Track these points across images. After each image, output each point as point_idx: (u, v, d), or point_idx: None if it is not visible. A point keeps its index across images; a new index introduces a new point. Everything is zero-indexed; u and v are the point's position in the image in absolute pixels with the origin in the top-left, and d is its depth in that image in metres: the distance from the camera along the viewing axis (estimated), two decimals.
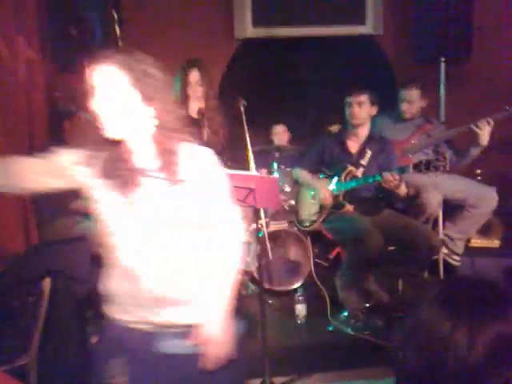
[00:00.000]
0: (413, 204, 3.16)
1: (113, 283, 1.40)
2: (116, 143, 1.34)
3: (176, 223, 1.35)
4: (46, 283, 1.95)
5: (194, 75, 2.61)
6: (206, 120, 2.60)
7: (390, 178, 2.71)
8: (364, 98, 3.01)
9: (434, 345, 0.81)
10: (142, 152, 1.36)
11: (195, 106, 2.61)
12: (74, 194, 3.19)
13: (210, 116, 2.62)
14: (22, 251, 2.79)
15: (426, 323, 0.84)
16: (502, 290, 0.87)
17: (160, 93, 1.35)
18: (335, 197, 3.02)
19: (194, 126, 2.57)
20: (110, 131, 1.31)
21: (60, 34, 3.61)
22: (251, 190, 2.18)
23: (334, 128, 4.31)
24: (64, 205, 3.14)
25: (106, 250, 1.41)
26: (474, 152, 3.19)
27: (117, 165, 1.33)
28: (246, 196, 2.21)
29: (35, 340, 1.94)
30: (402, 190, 2.78)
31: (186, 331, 1.35)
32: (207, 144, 2.59)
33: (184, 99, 2.62)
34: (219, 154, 2.68)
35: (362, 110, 3.01)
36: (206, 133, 2.61)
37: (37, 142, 3.37)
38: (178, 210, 1.35)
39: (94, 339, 2.83)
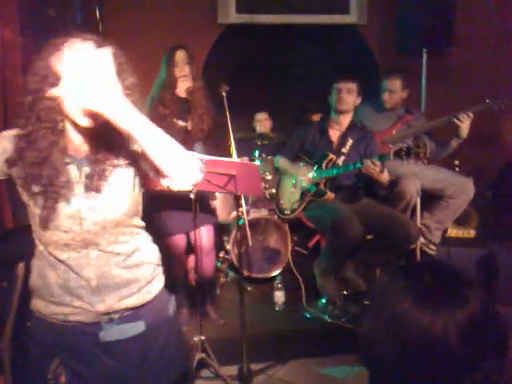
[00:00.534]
0: (392, 191, 3.19)
1: (45, 275, 1.31)
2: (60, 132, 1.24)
3: (111, 211, 1.29)
4: (20, 268, 1.91)
5: (180, 54, 2.58)
6: (194, 100, 2.56)
7: (371, 165, 2.73)
8: (353, 85, 3.03)
9: (416, 338, 0.80)
10: (86, 140, 1.29)
11: (183, 85, 2.57)
12: None
13: (196, 98, 2.59)
14: None
15: (403, 316, 0.83)
16: (462, 273, 0.88)
17: (135, 86, 1.32)
18: (316, 184, 3.03)
19: (182, 106, 2.53)
20: (83, 117, 1.21)
21: (39, 15, 3.53)
22: (232, 177, 2.16)
23: (316, 117, 4.31)
24: None
25: (37, 241, 1.33)
26: (454, 143, 3.24)
27: (45, 171, 1.23)
28: (226, 182, 2.20)
29: (9, 326, 1.91)
30: (385, 177, 2.80)
31: (128, 315, 1.34)
32: (192, 128, 2.55)
33: (172, 81, 2.57)
34: (202, 139, 2.66)
35: (350, 97, 3.02)
36: (192, 115, 2.57)
37: (13, 123, 3.29)
38: (113, 198, 1.30)
39: None
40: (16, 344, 1.96)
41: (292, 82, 4.43)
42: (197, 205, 2.37)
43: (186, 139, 2.47)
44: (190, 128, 2.51)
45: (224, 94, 2.54)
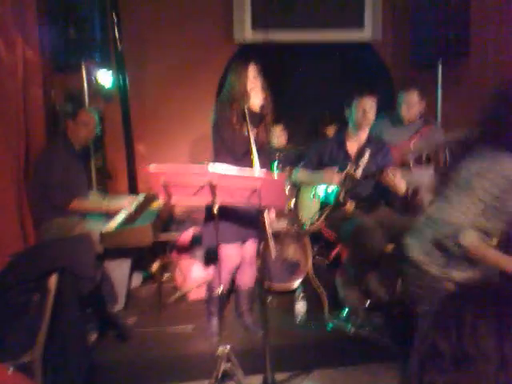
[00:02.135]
0: (411, 202, 3.20)
1: None
2: None
3: None
4: (53, 280, 1.95)
5: (252, 69, 2.64)
6: (264, 112, 2.64)
7: (391, 173, 2.76)
8: (374, 101, 3.06)
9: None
10: None
11: (256, 98, 2.62)
12: (71, 194, 3.21)
13: (266, 110, 2.66)
14: (18, 249, 2.80)
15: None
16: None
17: None
18: (336, 195, 3.05)
19: (252, 117, 2.59)
20: None
21: (59, 34, 3.63)
22: (256, 190, 2.19)
23: (331, 129, 4.36)
24: (61, 205, 3.15)
25: None
26: None
27: None
28: (250, 195, 2.23)
29: (41, 336, 1.94)
30: (402, 187, 2.83)
31: None
32: (259, 138, 2.63)
33: (243, 93, 2.62)
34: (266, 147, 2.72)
35: (372, 112, 3.06)
36: (261, 126, 2.64)
37: (34, 138, 3.39)
38: None
39: (92, 336, 2.86)
40: (47, 354, 1.99)
41: (307, 95, 4.49)
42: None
43: (251, 148, 2.53)
44: (256, 138, 2.57)
45: (246, 108, 2.60)
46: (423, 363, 0.86)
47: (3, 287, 2.07)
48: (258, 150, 2.47)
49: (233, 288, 3.07)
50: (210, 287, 2.92)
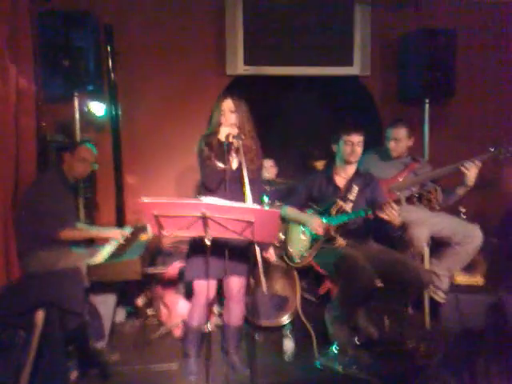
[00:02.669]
0: (399, 240, 3.21)
1: None
2: None
3: None
4: (40, 315, 1.89)
5: (227, 102, 2.70)
6: (235, 144, 2.66)
7: (390, 206, 2.78)
8: (362, 138, 3.10)
9: None
10: None
11: (225, 131, 2.67)
12: (61, 223, 3.13)
13: (236, 142, 2.67)
14: (1, 282, 2.70)
15: None
16: None
17: None
18: (327, 230, 3.05)
19: (223, 149, 2.60)
20: None
21: (53, 64, 3.65)
22: (250, 223, 2.18)
23: (320, 164, 4.40)
24: (50, 234, 3.07)
25: None
26: (460, 191, 3.28)
27: None
28: (244, 229, 2.22)
29: (25, 374, 1.86)
30: (399, 219, 2.84)
31: None
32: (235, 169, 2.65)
33: (218, 125, 2.70)
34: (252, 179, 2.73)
35: (360, 149, 3.10)
36: (231, 158, 2.68)
37: (25, 169, 3.34)
38: None
39: (73, 375, 2.75)
40: None
41: (296, 130, 4.55)
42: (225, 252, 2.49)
43: (222, 180, 2.60)
44: (226, 169, 2.60)
45: (241, 142, 2.63)
46: None
47: None
48: (244, 183, 2.50)
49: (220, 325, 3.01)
50: (185, 323, 2.89)
